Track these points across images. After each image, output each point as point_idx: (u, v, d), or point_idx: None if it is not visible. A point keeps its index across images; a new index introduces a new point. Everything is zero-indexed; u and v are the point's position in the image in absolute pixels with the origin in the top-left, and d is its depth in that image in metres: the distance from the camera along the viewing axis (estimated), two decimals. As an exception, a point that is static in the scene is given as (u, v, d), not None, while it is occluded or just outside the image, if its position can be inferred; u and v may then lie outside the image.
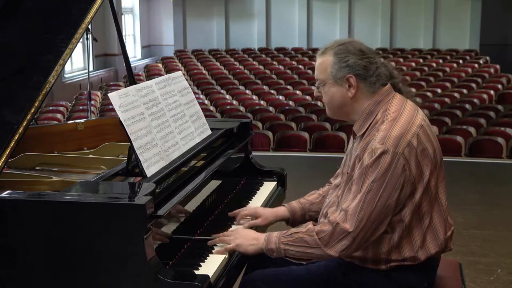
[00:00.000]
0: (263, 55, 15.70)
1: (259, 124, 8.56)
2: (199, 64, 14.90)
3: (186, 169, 2.49)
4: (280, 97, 10.94)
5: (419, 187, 2.11)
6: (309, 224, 2.21)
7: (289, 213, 2.54)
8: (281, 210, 2.56)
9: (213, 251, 2.27)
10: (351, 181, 2.15)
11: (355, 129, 2.25)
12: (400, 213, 2.12)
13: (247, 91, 11.57)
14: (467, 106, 9.59)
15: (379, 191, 2.06)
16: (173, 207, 2.14)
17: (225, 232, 2.36)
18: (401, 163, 2.06)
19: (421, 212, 2.15)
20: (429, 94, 10.61)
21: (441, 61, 14.40)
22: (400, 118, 2.13)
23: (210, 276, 2.00)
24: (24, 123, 2.17)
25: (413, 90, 2.26)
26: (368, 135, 2.16)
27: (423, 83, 11.71)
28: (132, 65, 3.08)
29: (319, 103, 10.24)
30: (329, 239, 2.11)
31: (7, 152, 2.13)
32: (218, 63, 14.77)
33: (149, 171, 2.27)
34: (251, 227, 2.46)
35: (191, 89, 3.17)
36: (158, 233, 2.12)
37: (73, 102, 11.04)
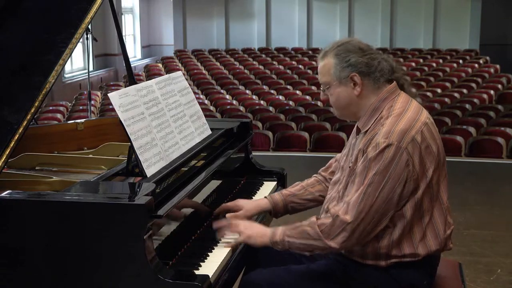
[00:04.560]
0: (263, 55, 15.70)
1: (259, 124, 8.55)
2: (199, 64, 14.90)
3: (186, 169, 2.49)
4: (280, 97, 10.93)
5: (422, 184, 2.12)
6: (313, 217, 2.22)
7: (270, 204, 2.57)
8: (262, 202, 2.58)
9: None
10: (354, 174, 2.16)
11: (359, 125, 2.26)
12: (402, 209, 2.13)
13: (247, 91, 11.56)
14: (467, 106, 9.59)
15: (381, 184, 2.07)
16: (173, 207, 2.14)
17: (232, 219, 2.38)
18: (404, 157, 2.07)
19: (422, 209, 2.16)
20: (429, 94, 10.61)
21: (441, 61, 14.39)
22: (405, 114, 2.15)
23: (210, 276, 2.00)
24: (24, 123, 2.17)
25: (415, 91, 2.26)
26: (372, 129, 2.17)
27: (423, 83, 11.70)
28: (132, 65, 3.08)
29: (319, 103, 10.24)
30: (330, 231, 2.13)
31: (7, 152, 2.13)
32: (218, 63, 14.76)
33: (149, 171, 2.27)
34: None
35: (191, 89, 3.17)
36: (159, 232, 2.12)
37: (73, 102, 11.03)
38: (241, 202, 2.58)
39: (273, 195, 2.59)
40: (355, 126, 2.32)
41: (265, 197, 2.60)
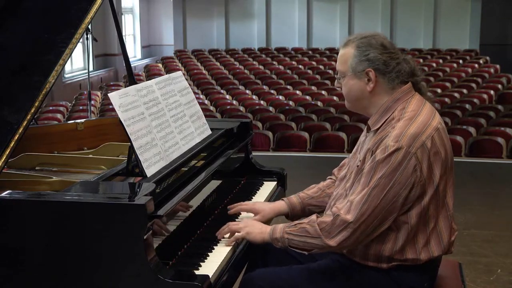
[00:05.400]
0: (263, 55, 15.70)
1: (259, 124, 8.55)
2: (199, 64, 14.90)
3: (186, 169, 2.49)
4: (280, 97, 10.93)
5: (429, 190, 2.11)
6: (313, 216, 2.22)
7: (288, 207, 2.54)
8: (280, 205, 2.56)
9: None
10: (361, 174, 2.15)
11: (370, 123, 2.24)
12: (407, 214, 2.12)
13: (247, 91, 11.56)
14: (467, 106, 9.59)
15: (386, 187, 2.06)
16: (173, 207, 2.14)
17: (232, 222, 2.40)
18: (412, 163, 2.06)
19: (427, 216, 2.14)
20: (429, 94, 10.59)
21: (441, 61, 14.39)
22: (417, 118, 2.13)
23: (210, 276, 2.00)
24: (24, 123, 2.17)
25: (432, 96, 2.23)
26: (383, 130, 2.16)
27: (423, 83, 11.68)
28: (132, 65, 3.08)
29: (319, 103, 10.25)
30: (330, 229, 2.12)
31: (7, 152, 2.13)
32: (218, 63, 14.77)
33: (149, 171, 2.27)
34: None
35: (191, 89, 3.17)
36: (160, 228, 2.12)
37: (73, 102, 11.04)
38: (258, 206, 2.55)
39: (290, 198, 2.57)
40: (367, 124, 2.31)
41: (282, 199, 2.58)
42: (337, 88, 2.32)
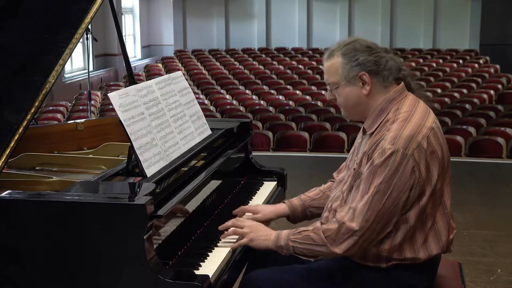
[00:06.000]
0: (263, 55, 15.70)
1: (259, 124, 8.55)
2: (199, 64, 14.90)
3: (186, 169, 2.49)
4: (280, 97, 10.93)
5: (427, 190, 2.11)
6: (317, 223, 2.21)
7: (289, 209, 2.54)
8: (281, 207, 2.56)
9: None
10: (360, 179, 2.14)
11: (365, 126, 2.24)
12: (406, 214, 2.12)
13: (247, 91, 11.57)
14: (467, 106, 9.59)
15: (387, 192, 2.06)
16: (173, 207, 2.14)
17: (237, 220, 2.38)
18: (410, 164, 2.06)
19: (425, 214, 2.14)
20: (429, 94, 10.61)
21: (441, 61, 14.40)
22: (411, 119, 2.13)
23: (210, 276, 2.00)
24: (24, 123, 2.17)
25: (430, 95, 2.22)
26: (378, 133, 2.15)
27: (423, 83, 11.69)
28: (132, 65, 3.08)
29: (319, 103, 10.24)
30: (335, 237, 2.12)
31: (7, 152, 2.13)
32: (218, 63, 14.77)
33: (149, 171, 2.27)
34: None
35: (191, 89, 3.16)
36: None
37: (73, 102, 11.04)
38: (260, 207, 2.56)
39: (291, 200, 2.57)
40: (362, 127, 2.31)
41: (284, 201, 2.58)
42: (331, 100, 2.29)
